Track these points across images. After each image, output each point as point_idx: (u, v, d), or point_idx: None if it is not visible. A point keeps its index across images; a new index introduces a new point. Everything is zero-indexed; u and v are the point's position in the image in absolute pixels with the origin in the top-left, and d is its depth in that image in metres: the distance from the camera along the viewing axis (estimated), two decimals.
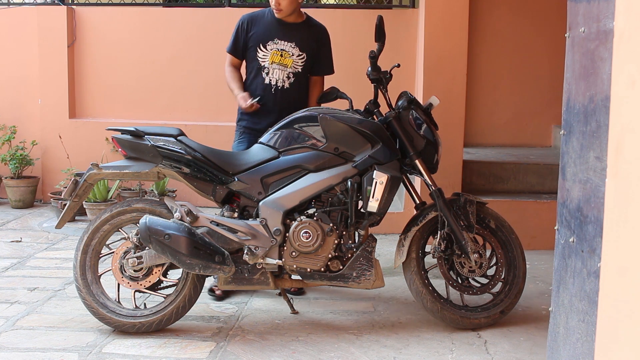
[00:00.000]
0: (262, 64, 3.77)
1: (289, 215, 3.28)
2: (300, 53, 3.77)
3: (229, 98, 4.22)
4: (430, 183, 3.38)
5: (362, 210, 3.25)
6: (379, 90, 3.44)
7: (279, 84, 3.77)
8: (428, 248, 3.47)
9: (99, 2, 6.59)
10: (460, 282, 3.44)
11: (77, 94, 6.31)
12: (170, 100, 6.19)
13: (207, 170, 3.28)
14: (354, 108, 3.48)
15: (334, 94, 3.61)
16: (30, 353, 3.07)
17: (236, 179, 3.30)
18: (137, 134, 3.30)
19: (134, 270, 3.27)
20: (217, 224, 3.25)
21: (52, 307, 3.67)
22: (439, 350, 3.15)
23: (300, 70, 3.78)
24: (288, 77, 3.77)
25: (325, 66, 3.92)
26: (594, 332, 1.67)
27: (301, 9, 3.86)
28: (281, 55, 3.75)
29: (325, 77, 4.02)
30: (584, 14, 2.03)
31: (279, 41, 3.77)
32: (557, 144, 5.81)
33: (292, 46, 3.76)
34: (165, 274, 3.34)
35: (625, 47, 1.31)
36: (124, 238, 3.36)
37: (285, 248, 3.25)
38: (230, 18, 6.16)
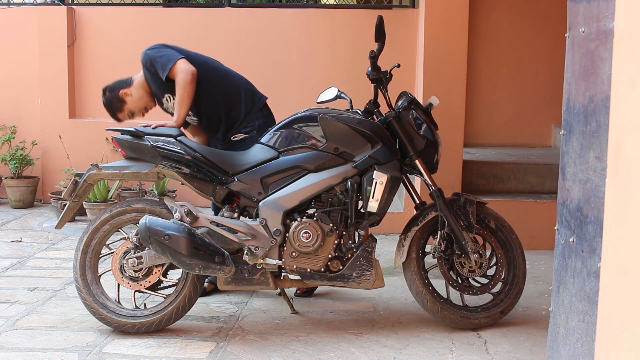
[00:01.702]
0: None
1: (289, 215, 3.28)
2: (165, 95, 3.67)
3: None
4: (430, 183, 3.38)
5: (362, 210, 3.25)
6: (379, 90, 3.44)
7: (194, 122, 3.76)
8: (428, 248, 3.47)
9: (99, 2, 6.60)
10: (460, 282, 3.44)
11: (77, 94, 6.31)
12: None
13: (206, 170, 3.28)
14: (354, 108, 3.48)
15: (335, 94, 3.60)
16: (30, 353, 3.07)
17: (236, 179, 3.30)
18: (137, 134, 3.30)
19: (134, 271, 3.27)
20: (217, 225, 3.25)
21: (52, 307, 3.67)
22: (439, 350, 3.15)
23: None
24: (188, 114, 3.65)
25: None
26: (594, 332, 1.67)
27: (137, 80, 3.68)
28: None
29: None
30: (584, 14, 2.03)
31: (163, 101, 3.72)
32: (557, 144, 5.81)
33: (166, 98, 3.67)
34: (165, 274, 3.34)
35: (625, 47, 1.31)
36: (124, 238, 3.36)
37: (285, 248, 3.25)
38: (231, 18, 6.18)
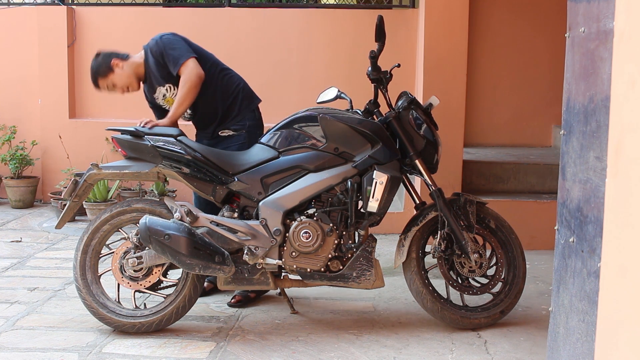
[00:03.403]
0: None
1: (289, 215, 3.28)
2: (166, 85, 3.66)
3: None
4: (430, 183, 3.38)
5: (362, 210, 3.25)
6: (379, 90, 3.44)
7: (185, 117, 3.72)
8: (428, 248, 3.47)
9: (99, 2, 6.59)
10: (460, 282, 3.43)
11: (77, 94, 6.31)
12: None
13: (207, 170, 3.28)
14: (354, 108, 3.48)
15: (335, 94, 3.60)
16: (30, 353, 3.08)
17: (236, 179, 3.30)
18: (137, 134, 3.30)
19: (134, 271, 3.27)
20: (217, 224, 3.25)
21: (52, 307, 3.67)
22: (439, 350, 3.15)
23: None
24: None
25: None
26: (594, 332, 1.67)
27: (124, 60, 3.65)
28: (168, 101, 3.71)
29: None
30: (584, 14, 2.03)
31: (158, 90, 3.69)
32: (557, 144, 5.81)
33: (167, 88, 3.65)
34: (165, 274, 3.34)
35: (625, 47, 1.31)
36: (124, 238, 3.36)
37: (285, 248, 3.25)
38: (231, 18, 6.18)
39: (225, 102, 3.69)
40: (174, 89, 3.63)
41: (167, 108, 3.72)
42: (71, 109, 6.26)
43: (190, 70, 3.49)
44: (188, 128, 4.02)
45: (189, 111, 3.71)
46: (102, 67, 3.63)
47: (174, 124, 3.49)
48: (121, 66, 3.62)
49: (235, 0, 6.42)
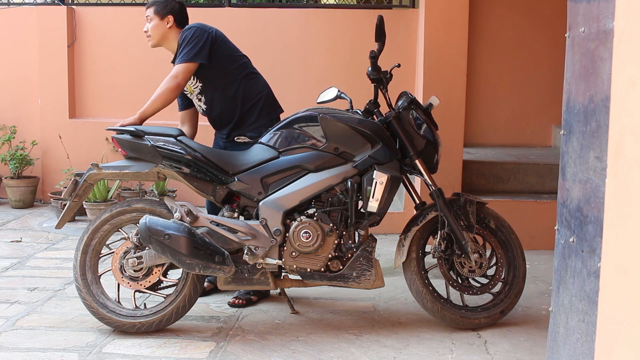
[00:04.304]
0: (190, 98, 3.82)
1: (289, 215, 3.28)
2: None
3: None
4: (430, 183, 3.38)
5: (362, 210, 3.25)
6: (379, 90, 3.44)
7: (200, 110, 3.79)
8: (428, 248, 3.47)
9: (99, 2, 6.59)
10: (460, 282, 3.44)
11: (77, 94, 6.31)
12: None
13: (207, 170, 3.28)
14: (354, 108, 3.48)
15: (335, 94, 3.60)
16: (30, 353, 3.08)
17: (236, 179, 3.30)
18: (137, 134, 3.30)
19: (134, 270, 3.27)
20: (217, 224, 3.25)
21: (52, 307, 3.67)
22: (439, 350, 3.15)
23: (200, 87, 3.68)
24: (199, 100, 3.73)
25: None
26: (594, 332, 1.67)
27: (177, 28, 3.73)
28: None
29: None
30: (584, 14, 2.03)
31: None
32: (557, 144, 5.81)
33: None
34: (165, 274, 3.34)
35: (625, 47, 1.31)
36: (124, 238, 3.36)
37: (285, 248, 3.25)
38: (231, 18, 6.18)
39: (244, 106, 3.70)
40: (196, 81, 3.65)
41: (188, 95, 3.77)
42: (71, 109, 6.25)
43: (174, 75, 3.52)
44: (208, 128, 4.01)
45: (204, 106, 3.72)
46: (163, 8, 3.72)
47: (142, 122, 3.49)
48: (169, 27, 3.71)
49: (235, 0, 6.42)
